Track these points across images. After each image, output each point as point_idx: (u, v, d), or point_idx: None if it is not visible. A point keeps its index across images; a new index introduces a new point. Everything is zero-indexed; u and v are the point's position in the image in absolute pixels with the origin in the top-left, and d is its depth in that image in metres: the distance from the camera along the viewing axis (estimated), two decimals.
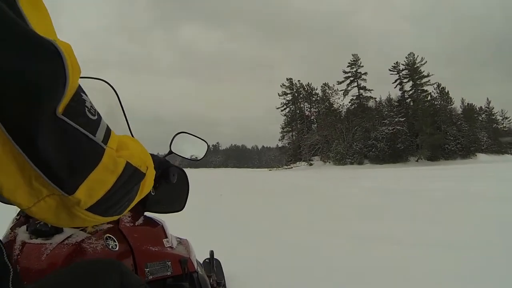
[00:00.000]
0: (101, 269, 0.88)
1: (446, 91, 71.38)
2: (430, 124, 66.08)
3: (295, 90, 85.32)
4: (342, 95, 76.97)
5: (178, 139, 1.59)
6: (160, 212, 1.47)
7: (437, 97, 71.74)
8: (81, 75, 0.61)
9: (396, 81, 74.59)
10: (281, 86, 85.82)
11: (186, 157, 1.63)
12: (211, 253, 2.53)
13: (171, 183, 1.31)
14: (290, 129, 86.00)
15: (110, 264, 0.92)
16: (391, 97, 74.19)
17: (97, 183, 0.65)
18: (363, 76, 75.57)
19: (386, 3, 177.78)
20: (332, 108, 76.66)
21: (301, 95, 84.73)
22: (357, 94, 75.52)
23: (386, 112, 71.94)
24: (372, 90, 75.52)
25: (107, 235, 1.17)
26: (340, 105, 77.03)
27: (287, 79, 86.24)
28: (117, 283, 0.85)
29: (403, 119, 68.82)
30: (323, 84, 79.94)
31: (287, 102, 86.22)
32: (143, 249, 1.25)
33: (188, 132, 1.63)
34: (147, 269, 1.22)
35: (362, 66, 75.72)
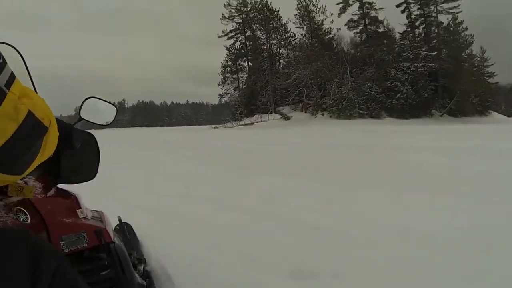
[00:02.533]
0: (5, 238, 0.76)
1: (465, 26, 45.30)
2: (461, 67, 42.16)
3: (246, 11, 55.25)
4: (329, 15, 47.53)
5: (87, 104, 1.52)
6: (72, 182, 1.39)
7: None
8: None
9: (402, 4, 46.25)
10: (225, 5, 55.11)
11: (97, 122, 1.57)
12: (119, 218, 2.30)
13: (75, 148, 1.22)
14: (235, 69, 56.78)
15: (14, 233, 0.83)
16: (411, 20, 46.12)
17: None
18: None
19: None
20: (321, 32, 48.00)
21: (255, 19, 54.96)
22: (361, 12, 46.40)
23: (407, 42, 44.16)
24: (382, 8, 46.05)
25: (17, 207, 1.08)
26: (329, 29, 48.32)
27: None
28: (23, 252, 0.74)
29: (434, 53, 42.00)
30: None
31: (234, 29, 55.27)
32: (57, 221, 1.17)
33: (97, 97, 1.55)
34: (62, 242, 1.14)
35: None
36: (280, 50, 53.14)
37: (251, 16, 53.88)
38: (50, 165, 1.18)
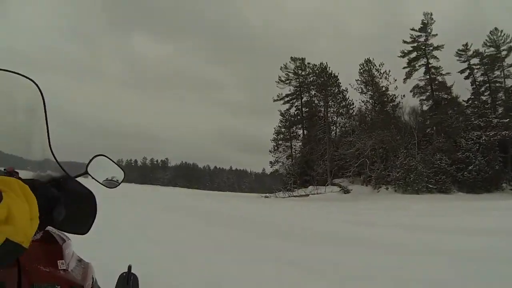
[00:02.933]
0: None
1: None
2: None
3: (304, 75, 52.97)
4: (393, 81, 44.45)
5: (96, 161, 1.50)
6: (63, 231, 1.35)
7: None
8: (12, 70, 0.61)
9: (465, 70, 43.25)
10: (281, 68, 53.48)
11: (100, 181, 1.53)
12: (129, 267, 1.96)
13: (71, 205, 1.21)
14: (289, 136, 53.87)
15: None
16: (476, 86, 42.40)
17: None
18: (434, 52, 43.23)
19: None
20: (386, 99, 44.81)
21: (313, 84, 52.23)
22: (427, 78, 43.43)
23: (476, 110, 40.09)
24: (449, 73, 42.81)
25: None
26: (393, 96, 44.94)
27: (292, 59, 53.65)
28: None
29: (506, 120, 37.74)
30: (364, 61, 46.10)
31: (290, 93, 53.21)
32: (32, 267, 1.10)
33: (108, 157, 1.54)
34: None
35: (435, 35, 43.22)
36: (338, 119, 50.00)
37: (309, 80, 51.71)
38: (44, 208, 1.06)
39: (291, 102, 53.58)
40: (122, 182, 1.61)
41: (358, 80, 46.45)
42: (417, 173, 35.27)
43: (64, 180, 1.29)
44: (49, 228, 1.28)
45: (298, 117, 53.10)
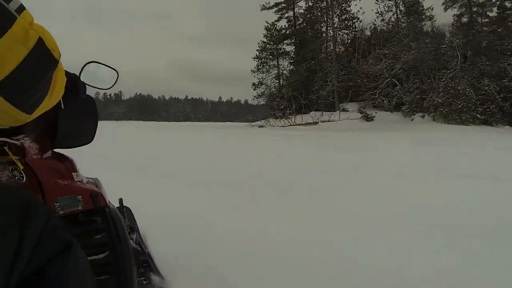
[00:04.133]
0: None
1: None
2: None
3: None
4: None
5: (87, 68, 1.45)
6: (69, 146, 1.36)
7: None
8: None
9: None
10: None
11: (97, 86, 1.50)
12: (120, 200, 2.20)
13: (79, 99, 1.25)
14: (275, 52, 43.16)
15: (7, 189, 0.84)
16: None
17: (7, 52, 0.62)
18: None
19: None
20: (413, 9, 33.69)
21: None
22: None
23: None
24: None
25: (12, 166, 1.04)
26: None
27: None
28: (15, 209, 0.72)
29: None
30: None
31: (280, 1, 41.61)
32: (52, 182, 1.13)
33: (97, 61, 1.49)
34: (57, 204, 1.11)
35: None
36: (342, 32, 39.42)
37: None
38: (47, 127, 1.19)
39: (281, 12, 42.30)
40: (116, 81, 1.57)
41: None
42: (466, 100, 26.58)
43: (80, 85, 1.25)
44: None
45: (290, 29, 42.14)
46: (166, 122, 68.14)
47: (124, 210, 2.20)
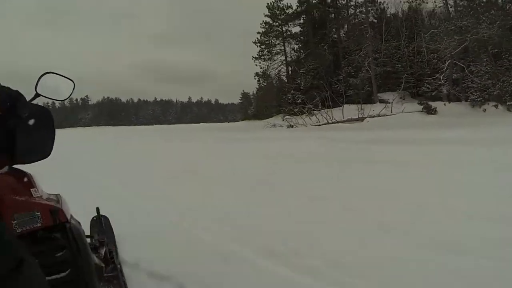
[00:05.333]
0: None
1: None
2: None
3: None
4: None
5: (44, 80, 1.42)
6: (28, 161, 1.30)
7: None
8: None
9: None
10: None
11: (54, 98, 1.48)
12: (97, 210, 2.35)
13: (21, 117, 1.19)
14: (281, 37, 35.16)
15: None
16: None
17: None
18: None
19: None
20: None
21: None
22: None
23: None
24: None
25: None
26: None
27: None
28: None
29: None
30: None
31: None
32: (8, 198, 1.10)
33: (55, 72, 1.47)
34: (15, 221, 1.08)
35: None
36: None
37: None
38: (3, 144, 1.15)
39: None
40: (72, 92, 1.53)
41: None
42: None
43: (21, 104, 1.18)
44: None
45: (302, 5, 33.87)
46: (145, 126, 64.40)
47: (102, 219, 2.35)
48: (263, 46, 34.86)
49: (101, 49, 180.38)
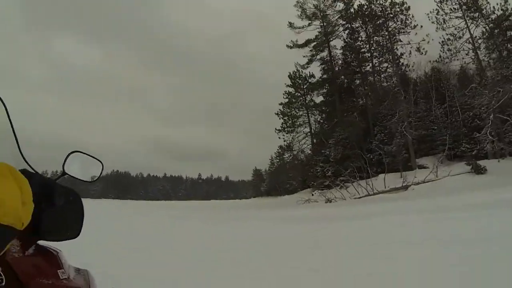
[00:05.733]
0: None
1: None
2: None
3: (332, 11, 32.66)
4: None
5: (71, 159, 1.39)
6: (55, 240, 1.21)
7: None
8: None
9: None
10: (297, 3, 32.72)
11: (81, 178, 1.43)
12: None
13: (57, 206, 1.13)
14: (304, 103, 34.17)
15: None
16: None
17: None
18: None
19: None
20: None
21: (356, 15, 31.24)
22: None
23: None
24: None
25: None
26: None
27: None
28: None
29: None
30: None
31: (313, 39, 32.43)
32: (34, 282, 1.01)
33: (82, 151, 1.44)
34: None
35: None
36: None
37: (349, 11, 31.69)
38: (30, 221, 0.97)
39: (312, 52, 33.40)
40: (101, 173, 1.52)
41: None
42: None
43: (49, 185, 1.14)
44: (39, 242, 1.19)
45: (326, 74, 32.94)
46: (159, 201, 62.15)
47: None
48: (285, 118, 33.57)
49: (111, 123, 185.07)
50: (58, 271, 1.12)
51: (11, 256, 1.02)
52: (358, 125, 27.87)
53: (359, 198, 20.73)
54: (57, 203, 1.12)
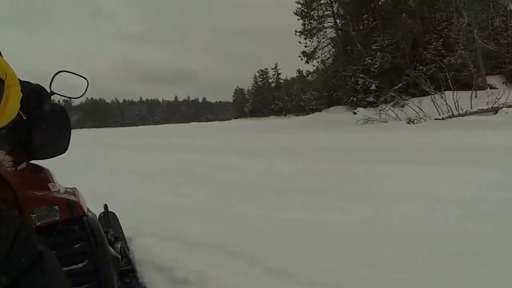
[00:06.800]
0: None
1: None
2: None
3: None
4: None
5: (57, 79, 1.43)
6: (45, 157, 1.30)
7: None
8: None
9: None
10: None
11: (69, 95, 1.48)
12: (105, 206, 2.31)
13: (44, 111, 1.19)
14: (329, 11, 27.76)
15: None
16: None
17: None
18: None
19: None
20: None
21: None
22: None
23: None
24: None
25: None
26: None
27: None
28: (8, 236, 0.74)
29: None
30: None
31: None
32: (28, 194, 1.12)
33: (67, 70, 1.48)
34: (34, 215, 1.10)
35: None
36: None
37: None
38: (21, 140, 1.16)
39: None
40: (87, 89, 1.53)
41: None
42: None
43: (47, 98, 1.20)
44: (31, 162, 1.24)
45: None
46: (149, 126, 60.84)
47: (109, 216, 2.26)
48: (307, 18, 27.20)
49: (77, 49, 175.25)
50: (49, 184, 1.18)
51: (3, 170, 1.05)
52: (409, 28, 22.08)
53: (440, 119, 15.64)
54: (46, 108, 1.13)
